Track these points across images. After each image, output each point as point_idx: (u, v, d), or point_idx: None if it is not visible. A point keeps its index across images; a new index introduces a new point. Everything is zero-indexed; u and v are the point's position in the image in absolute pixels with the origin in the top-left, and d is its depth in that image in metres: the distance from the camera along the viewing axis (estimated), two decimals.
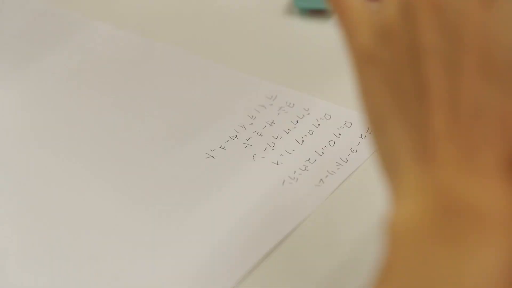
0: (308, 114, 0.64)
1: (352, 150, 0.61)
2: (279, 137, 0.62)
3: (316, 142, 0.62)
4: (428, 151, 0.38)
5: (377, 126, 0.40)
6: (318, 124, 0.63)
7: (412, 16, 0.39)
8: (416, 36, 0.39)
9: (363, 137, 0.62)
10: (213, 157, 0.60)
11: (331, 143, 0.62)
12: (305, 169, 0.59)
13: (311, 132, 0.63)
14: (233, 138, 0.62)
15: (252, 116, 0.64)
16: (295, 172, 0.59)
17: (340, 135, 0.62)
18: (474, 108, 0.38)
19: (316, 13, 0.75)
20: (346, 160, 0.60)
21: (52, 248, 0.54)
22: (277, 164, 0.60)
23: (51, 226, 0.55)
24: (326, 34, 0.74)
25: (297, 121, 0.64)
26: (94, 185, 0.58)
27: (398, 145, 0.38)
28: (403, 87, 0.39)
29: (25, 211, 0.56)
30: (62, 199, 0.57)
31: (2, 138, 0.61)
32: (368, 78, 0.40)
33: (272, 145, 0.62)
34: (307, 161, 0.60)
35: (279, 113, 0.64)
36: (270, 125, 0.63)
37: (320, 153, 0.61)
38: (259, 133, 0.63)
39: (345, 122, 0.63)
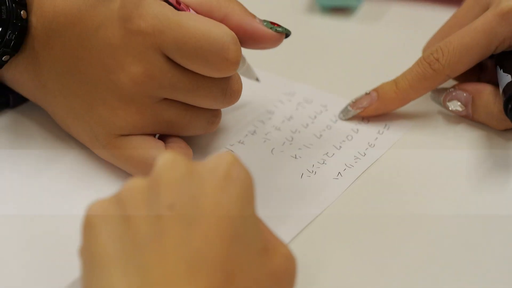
0: (326, 110, 0.64)
1: (369, 144, 0.61)
2: (297, 131, 0.63)
3: (334, 136, 0.62)
4: None
5: None
6: (336, 120, 0.64)
7: None
8: None
9: (380, 132, 0.62)
10: (232, 151, 0.61)
11: (349, 137, 0.62)
12: (323, 163, 0.60)
13: (329, 127, 0.63)
14: (252, 132, 0.63)
15: (271, 111, 0.64)
16: (313, 165, 0.59)
17: (357, 130, 0.63)
18: None
19: (337, 10, 0.76)
20: (363, 154, 0.60)
21: None
22: (295, 158, 0.60)
23: None
24: (347, 32, 0.75)
25: (315, 117, 0.64)
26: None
27: None
28: None
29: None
30: None
31: None
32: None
33: (290, 139, 0.62)
34: (325, 155, 0.60)
35: (297, 109, 0.65)
36: (288, 120, 0.64)
37: (338, 147, 0.61)
38: (277, 128, 0.63)
39: (362, 118, 0.63)
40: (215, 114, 0.58)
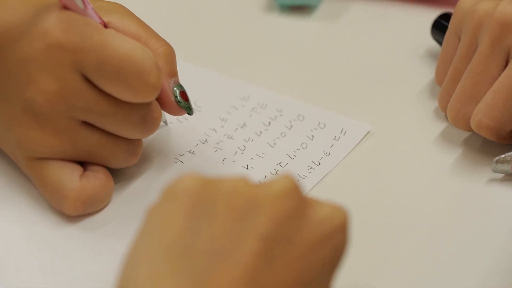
0: (281, 115, 0.62)
1: (325, 152, 0.59)
2: (250, 140, 0.60)
3: (288, 145, 0.60)
4: None
5: None
6: (291, 126, 0.61)
7: None
8: None
9: (336, 138, 0.60)
10: (181, 162, 0.59)
11: (304, 145, 0.60)
12: (276, 174, 0.58)
13: (283, 135, 0.61)
14: (203, 142, 0.60)
15: (224, 119, 0.62)
16: (265, 176, 0.57)
17: (313, 137, 0.60)
18: None
19: (296, 9, 0.74)
20: (318, 164, 0.58)
21: None
22: (247, 168, 0.58)
23: None
24: (306, 31, 0.73)
25: (269, 123, 0.62)
26: None
27: None
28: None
29: None
30: None
31: None
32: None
33: (243, 148, 0.60)
34: (278, 165, 0.58)
35: (251, 115, 0.62)
36: (242, 127, 0.61)
37: (292, 156, 0.59)
38: (230, 136, 0.61)
39: (319, 123, 0.61)
40: (136, 144, 0.55)
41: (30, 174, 0.54)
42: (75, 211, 0.53)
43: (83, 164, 0.55)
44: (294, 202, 0.40)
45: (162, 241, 0.39)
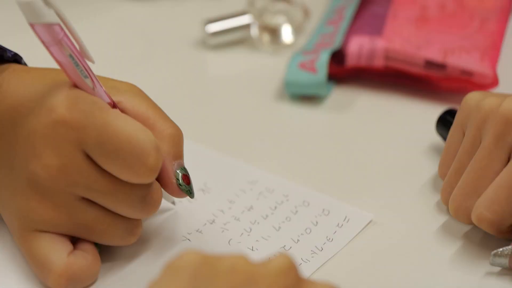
0: (287, 200, 0.64)
1: (327, 238, 0.61)
2: (256, 222, 0.62)
3: (293, 229, 0.61)
4: None
5: None
6: (296, 211, 0.63)
7: None
8: None
9: (339, 225, 0.62)
10: (189, 240, 0.60)
11: (308, 230, 0.61)
12: None
13: (288, 219, 0.62)
14: (211, 222, 0.62)
15: (232, 201, 0.64)
16: (269, 259, 0.59)
17: (317, 222, 0.62)
18: None
19: (306, 99, 0.76)
20: (321, 249, 0.60)
21: None
22: (252, 250, 0.60)
23: None
24: (315, 120, 0.75)
25: (275, 207, 0.63)
26: None
27: None
28: None
29: None
30: None
31: None
32: None
33: (249, 230, 0.61)
34: (282, 248, 0.60)
35: (258, 198, 0.64)
36: (249, 210, 0.63)
37: (296, 241, 0.60)
38: (237, 218, 0.62)
39: (323, 210, 0.63)
40: (136, 224, 0.56)
41: (22, 244, 0.54)
42: (58, 286, 0.54)
43: (75, 242, 0.56)
44: (291, 280, 0.42)
45: None
